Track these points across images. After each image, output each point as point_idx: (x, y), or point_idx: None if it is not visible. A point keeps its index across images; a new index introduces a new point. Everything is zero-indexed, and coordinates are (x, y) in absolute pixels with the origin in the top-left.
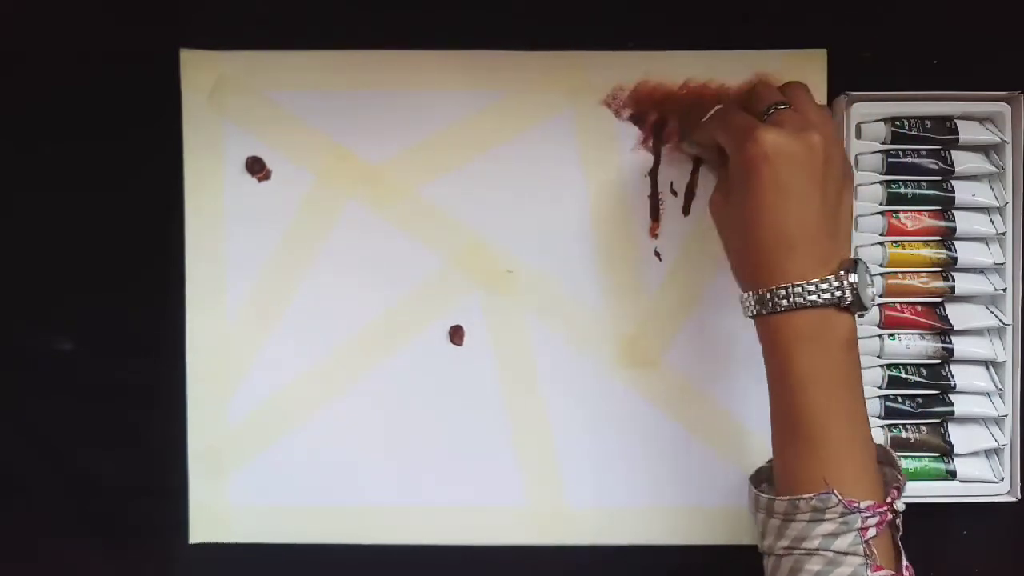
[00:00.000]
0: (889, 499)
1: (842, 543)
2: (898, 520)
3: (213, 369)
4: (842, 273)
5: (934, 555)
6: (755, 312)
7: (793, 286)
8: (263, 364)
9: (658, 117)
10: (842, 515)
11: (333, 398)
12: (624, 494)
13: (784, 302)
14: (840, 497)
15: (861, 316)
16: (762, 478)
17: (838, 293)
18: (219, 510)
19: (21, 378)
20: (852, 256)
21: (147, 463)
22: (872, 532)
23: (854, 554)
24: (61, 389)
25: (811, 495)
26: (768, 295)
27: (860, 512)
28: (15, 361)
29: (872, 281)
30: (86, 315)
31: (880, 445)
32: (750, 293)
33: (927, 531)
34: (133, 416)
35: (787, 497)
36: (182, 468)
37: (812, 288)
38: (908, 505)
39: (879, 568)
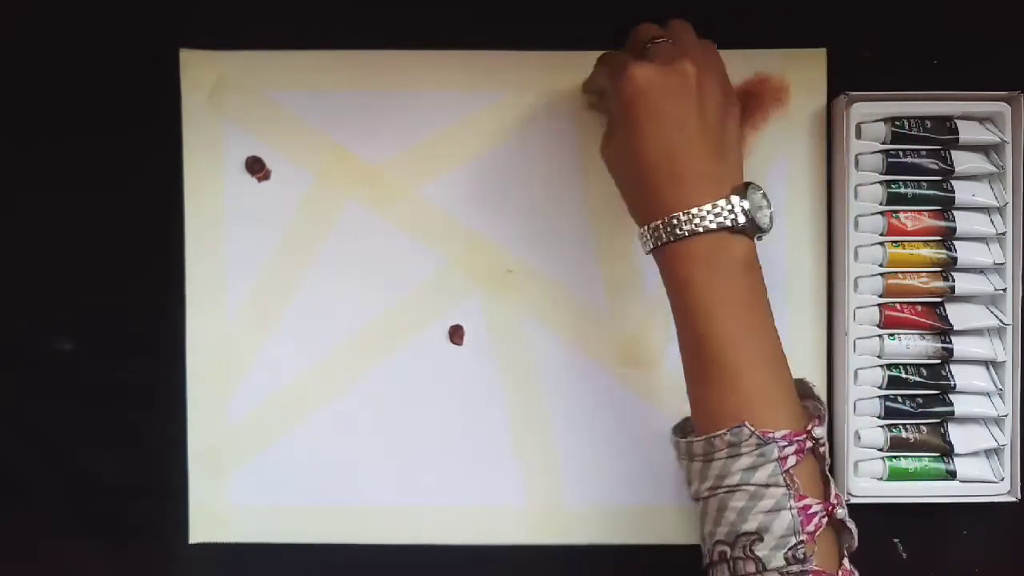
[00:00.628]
0: (808, 427)
1: (761, 475)
2: (821, 449)
3: (213, 369)
4: (734, 197)
5: (934, 555)
6: (652, 245)
7: (684, 213)
8: (263, 364)
9: None
10: (757, 447)
11: (333, 398)
12: (624, 494)
13: (677, 230)
14: (752, 429)
15: (759, 238)
16: (688, 430)
17: (731, 216)
18: (219, 510)
19: (21, 378)
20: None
21: (147, 463)
22: (792, 461)
23: (775, 485)
24: (61, 389)
25: (724, 430)
26: (661, 225)
27: (776, 442)
28: (15, 361)
29: (768, 203)
30: (86, 315)
31: (799, 379)
32: (646, 227)
33: (927, 531)
34: (133, 416)
35: (703, 437)
36: (182, 468)
37: (704, 213)
38: (908, 505)
39: (802, 497)
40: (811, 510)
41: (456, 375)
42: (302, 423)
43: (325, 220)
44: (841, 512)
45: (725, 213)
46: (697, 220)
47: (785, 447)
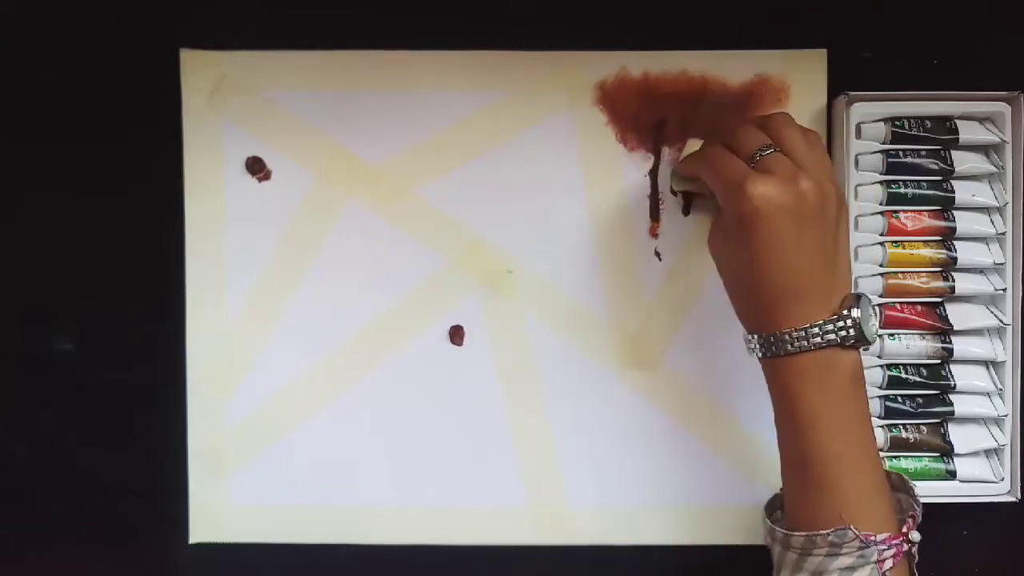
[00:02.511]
0: (904, 529)
1: None
2: (914, 549)
3: (213, 369)
4: (844, 312)
5: (934, 555)
6: (760, 355)
7: (797, 330)
8: (263, 364)
9: (657, 117)
10: (859, 549)
11: (333, 398)
12: (624, 494)
13: (789, 346)
14: (856, 532)
15: (866, 350)
16: (776, 506)
17: (842, 332)
18: (219, 510)
19: (21, 378)
20: (853, 290)
21: (147, 463)
22: (889, 564)
23: None
24: (61, 389)
25: (828, 531)
26: (772, 339)
27: (876, 545)
28: (15, 361)
29: (874, 312)
30: (86, 315)
31: (896, 473)
32: (755, 336)
33: (927, 531)
34: (133, 416)
35: (804, 533)
36: (182, 468)
37: (816, 331)
38: None
39: None
40: None
41: (456, 375)
42: (302, 423)
43: (325, 220)
44: None
45: (838, 330)
46: (811, 337)
47: (884, 551)
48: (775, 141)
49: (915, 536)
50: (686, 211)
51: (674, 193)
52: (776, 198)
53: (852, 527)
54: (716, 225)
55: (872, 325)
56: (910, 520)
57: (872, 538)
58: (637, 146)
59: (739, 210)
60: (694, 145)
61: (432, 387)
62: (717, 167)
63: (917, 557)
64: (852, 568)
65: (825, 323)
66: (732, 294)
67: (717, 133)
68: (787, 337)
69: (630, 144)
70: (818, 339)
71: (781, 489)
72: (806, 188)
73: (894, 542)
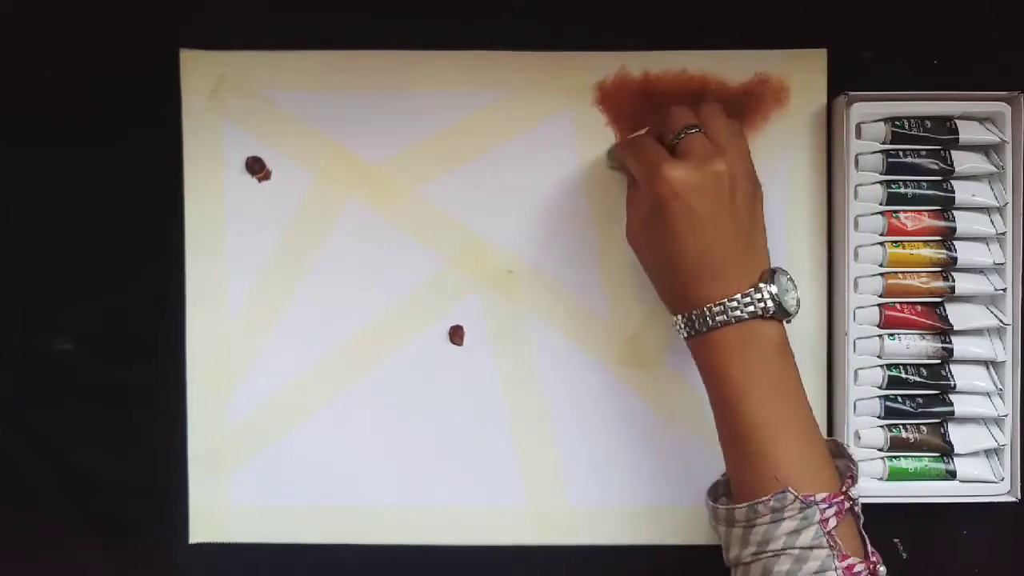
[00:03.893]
0: (844, 488)
1: (805, 538)
2: (857, 508)
3: (213, 369)
4: (761, 285)
5: (934, 555)
6: (687, 334)
7: (716, 304)
8: (263, 364)
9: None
10: (800, 510)
11: (333, 398)
12: (624, 494)
13: (710, 321)
14: (796, 493)
15: (788, 322)
16: (720, 492)
17: (760, 304)
18: (219, 510)
19: (21, 378)
20: (771, 266)
21: (147, 463)
22: (833, 523)
23: (819, 547)
24: (61, 389)
25: (768, 496)
26: (695, 316)
27: (817, 504)
28: (15, 361)
29: (794, 286)
30: (86, 315)
31: (830, 439)
32: (679, 316)
33: (927, 531)
34: (133, 416)
35: (746, 503)
36: (182, 468)
37: (735, 304)
38: (908, 505)
39: (845, 556)
40: (855, 569)
41: (456, 375)
42: (302, 423)
43: (325, 220)
44: (882, 569)
45: (756, 302)
46: (729, 311)
47: (826, 509)
48: (700, 122)
49: (855, 492)
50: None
51: (612, 167)
52: (691, 179)
53: (790, 488)
54: (632, 213)
55: (791, 296)
56: (848, 479)
57: (812, 498)
58: None
59: (656, 192)
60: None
61: (432, 387)
62: (639, 152)
63: (863, 517)
64: (797, 531)
65: (743, 296)
66: (655, 279)
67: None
68: (708, 312)
69: None
70: (737, 312)
71: (723, 475)
72: (720, 169)
73: (835, 500)
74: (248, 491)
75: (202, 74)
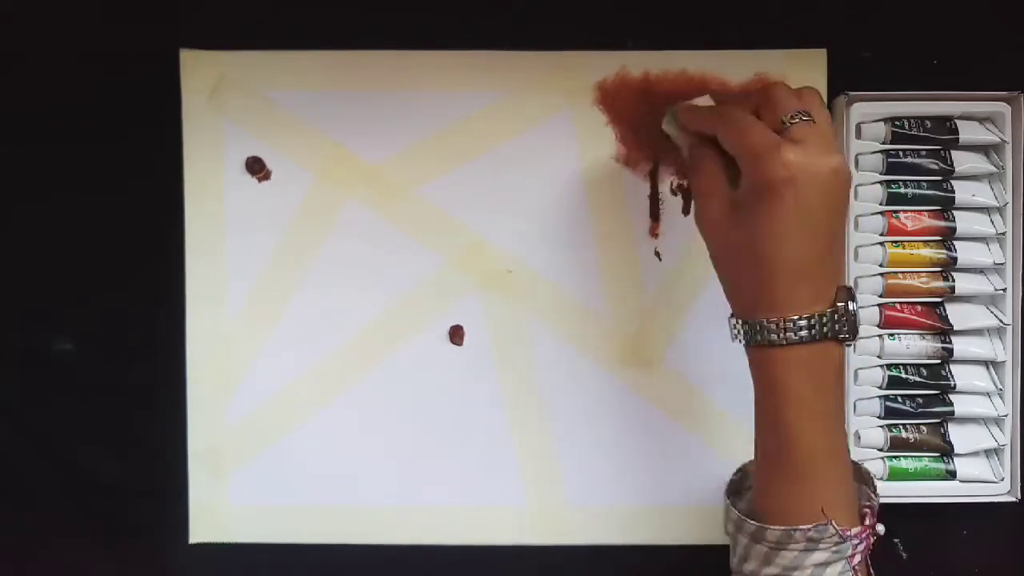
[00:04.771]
0: (869, 523)
1: (832, 571)
2: (874, 540)
3: (213, 369)
4: (841, 305)
5: (934, 555)
6: (744, 341)
7: (788, 319)
8: (263, 364)
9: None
10: (835, 544)
11: (333, 398)
12: (624, 494)
13: (774, 336)
14: (837, 527)
15: (849, 344)
16: (734, 491)
17: (838, 325)
18: (219, 510)
19: (21, 378)
20: (844, 283)
21: (147, 463)
22: (858, 558)
23: None
24: (61, 389)
25: (809, 526)
26: (760, 326)
27: (851, 540)
28: (15, 361)
29: (857, 303)
30: (86, 315)
31: (855, 463)
32: (740, 320)
33: (927, 531)
34: (133, 416)
35: (781, 527)
36: (182, 468)
37: (814, 322)
38: (908, 505)
39: None
40: None
41: (456, 375)
42: (302, 423)
43: (325, 220)
44: None
45: (833, 323)
46: (802, 328)
47: (858, 544)
48: (808, 111)
49: (880, 529)
50: (686, 211)
51: (665, 136)
52: (812, 168)
53: (833, 522)
54: (709, 195)
55: (860, 317)
56: (868, 511)
57: (848, 532)
58: (637, 146)
59: (769, 175)
60: (703, 101)
61: (432, 387)
62: (742, 130)
63: (871, 549)
64: (826, 564)
65: (822, 315)
66: (728, 271)
67: (729, 96)
68: (776, 326)
69: (630, 144)
70: (814, 330)
71: (736, 473)
72: (839, 166)
73: (863, 535)
74: (248, 491)
75: (202, 74)
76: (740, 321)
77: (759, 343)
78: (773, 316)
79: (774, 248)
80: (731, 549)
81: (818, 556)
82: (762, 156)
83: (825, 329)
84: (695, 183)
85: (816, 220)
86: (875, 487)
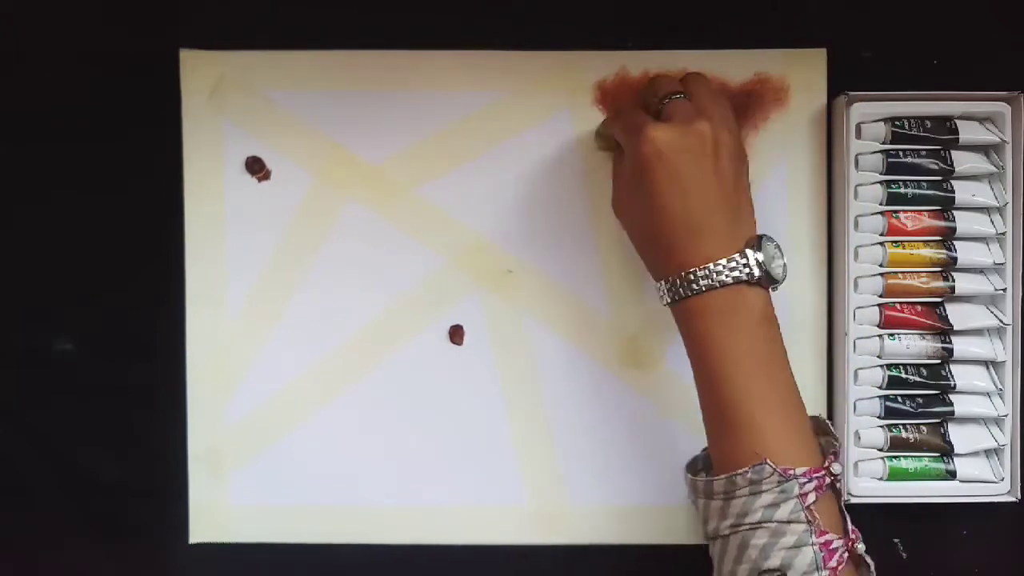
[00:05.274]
0: (826, 464)
1: (783, 512)
2: (838, 484)
3: (213, 369)
4: (748, 251)
5: (934, 555)
6: (670, 299)
7: (701, 268)
8: (263, 364)
9: None
10: (779, 483)
11: (333, 398)
12: (625, 494)
13: (695, 285)
14: (773, 466)
15: (774, 289)
16: (699, 467)
17: (746, 270)
18: (219, 510)
19: (21, 378)
20: (758, 233)
21: (147, 463)
22: (812, 497)
23: (796, 521)
24: (61, 389)
25: (746, 468)
26: (679, 280)
27: (796, 478)
28: (15, 361)
29: (781, 254)
30: (86, 315)
31: (814, 416)
32: (662, 282)
33: (927, 531)
34: (133, 416)
35: (724, 475)
36: (182, 468)
37: (720, 268)
38: (908, 505)
39: (823, 532)
40: (832, 545)
41: (456, 375)
42: (302, 423)
43: (325, 220)
44: (860, 547)
45: (740, 267)
46: (714, 275)
47: (805, 483)
48: (684, 89)
49: (836, 468)
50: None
51: (598, 146)
52: (674, 139)
53: (768, 461)
54: (617, 183)
55: (779, 263)
56: (832, 456)
57: (791, 472)
58: None
59: (640, 153)
60: None
61: (432, 387)
62: (623, 119)
63: (844, 494)
64: (775, 504)
65: (728, 260)
66: (639, 245)
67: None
68: (692, 276)
69: None
70: (723, 276)
71: (704, 450)
72: (703, 129)
73: (815, 475)
74: (248, 491)
75: (202, 74)
76: (660, 283)
77: (676, 300)
78: (681, 271)
79: (660, 214)
80: (701, 518)
81: (765, 498)
82: (632, 135)
83: (735, 274)
84: (613, 177)
85: (693, 182)
86: (834, 433)
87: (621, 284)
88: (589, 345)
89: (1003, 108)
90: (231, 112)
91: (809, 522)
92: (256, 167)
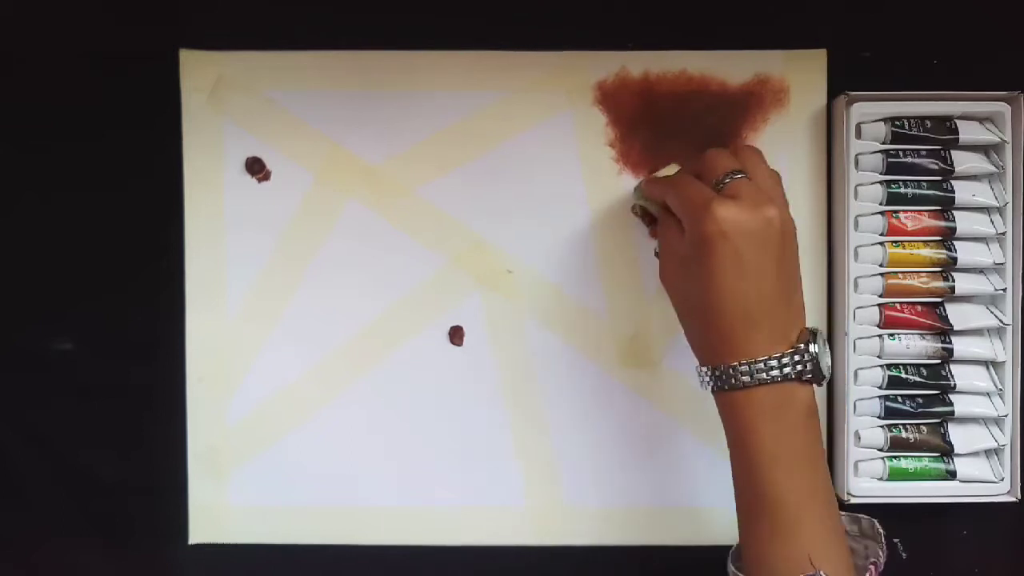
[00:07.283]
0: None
1: None
2: None
3: (213, 369)
4: (801, 346)
5: (934, 555)
6: (713, 387)
7: (754, 362)
8: (263, 364)
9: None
10: None
11: (333, 398)
12: (624, 494)
13: (745, 378)
14: None
15: (819, 385)
16: (739, 556)
17: (799, 367)
18: (219, 510)
19: (21, 378)
20: (808, 325)
21: (147, 463)
22: None
23: None
24: (61, 389)
25: None
26: (728, 371)
27: None
28: (15, 361)
29: (827, 349)
30: (86, 315)
31: (866, 518)
32: (707, 368)
33: (927, 531)
34: (133, 416)
35: None
36: (182, 468)
37: (774, 363)
38: (908, 505)
39: None
40: None
41: (456, 375)
42: (302, 423)
43: (325, 220)
44: None
45: (793, 364)
46: (768, 371)
47: None
48: (743, 167)
49: None
50: (654, 232)
51: (634, 210)
52: (742, 221)
53: (823, 572)
54: (668, 254)
55: (827, 360)
56: (872, 567)
57: None
58: (637, 146)
59: (704, 231)
60: (668, 170)
61: (432, 387)
62: (683, 189)
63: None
64: None
65: (783, 356)
66: (688, 323)
67: (688, 161)
68: (743, 369)
69: (630, 144)
70: (775, 372)
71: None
72: (772, 216)
73: None
74: (248, 491)
75: (202, 74)
76: (705, 369)
77: (723, 389)
78: (731, 361)
79: (718, 297)
80: None
81: None
82: (697, 212)
83: (787, 371)
84: (659, 245)
85: (756, 269)
86: (883, 543)
87: (620, 285)
88: (589, 345)
89: (1003, 108)
90: (231, 112)
91: None
92: (256, 167)
